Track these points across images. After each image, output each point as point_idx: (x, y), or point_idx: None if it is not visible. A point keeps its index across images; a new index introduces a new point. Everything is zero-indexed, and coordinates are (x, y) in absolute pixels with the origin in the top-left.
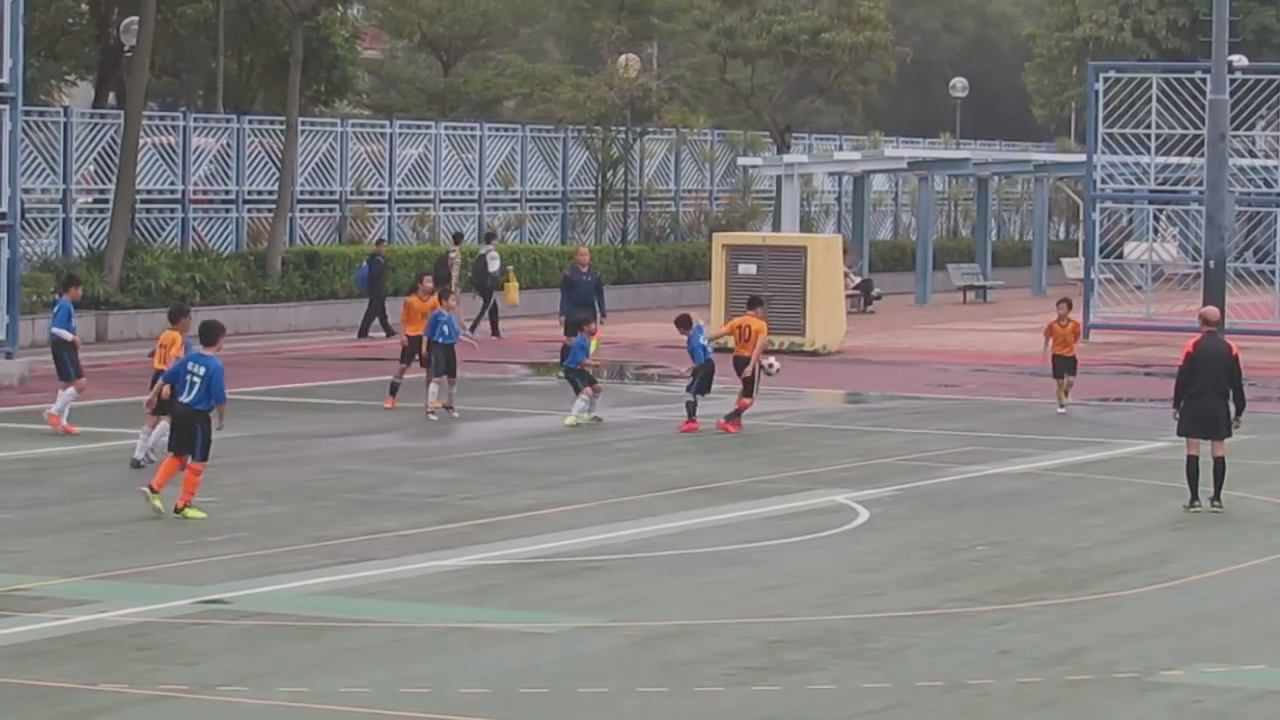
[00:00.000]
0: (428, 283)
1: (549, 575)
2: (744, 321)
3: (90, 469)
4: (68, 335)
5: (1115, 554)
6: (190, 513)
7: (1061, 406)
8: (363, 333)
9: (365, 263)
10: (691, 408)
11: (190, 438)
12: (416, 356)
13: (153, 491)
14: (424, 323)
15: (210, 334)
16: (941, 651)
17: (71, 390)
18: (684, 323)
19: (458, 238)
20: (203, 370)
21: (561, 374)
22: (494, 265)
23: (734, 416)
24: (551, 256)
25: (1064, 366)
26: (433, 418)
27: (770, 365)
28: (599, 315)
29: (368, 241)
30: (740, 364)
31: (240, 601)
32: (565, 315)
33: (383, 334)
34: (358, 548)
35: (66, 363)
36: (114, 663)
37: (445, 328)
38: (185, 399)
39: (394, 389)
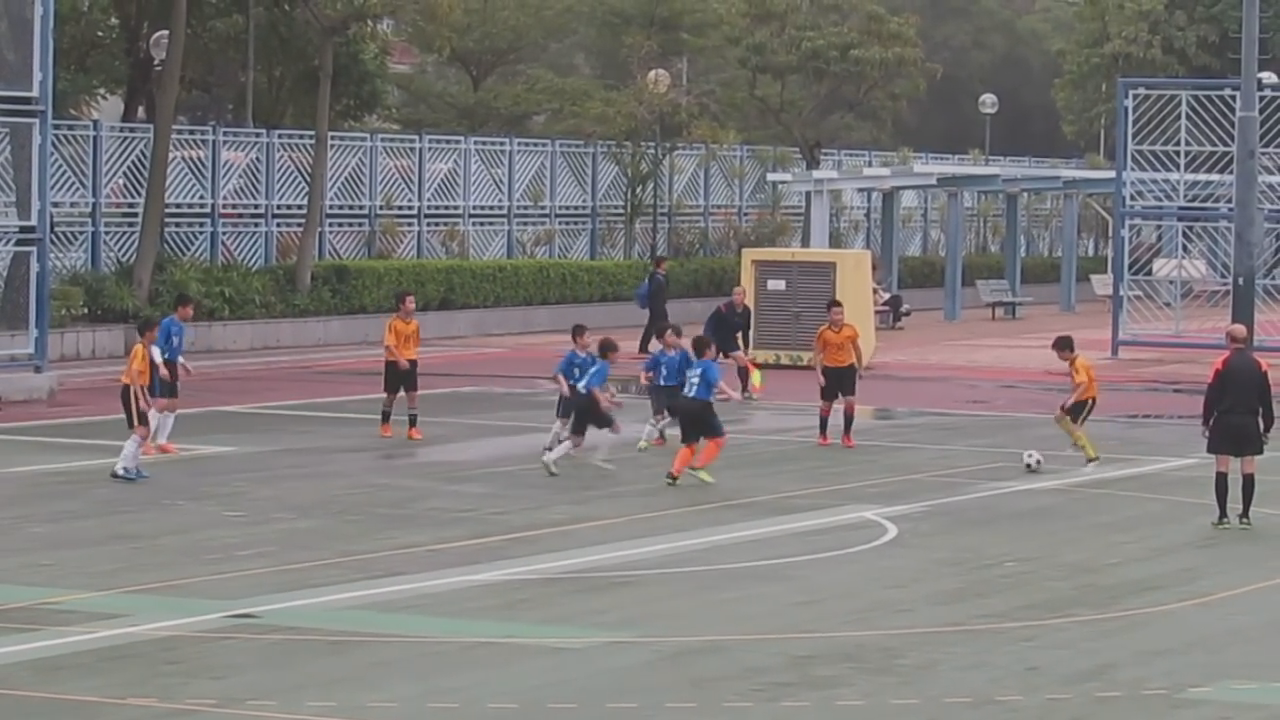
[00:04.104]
0: (409, 303)
1: (579, 590)
2: (826, 333)
3: (119, 483)
4: (157, 356)
5: (1144, 570)
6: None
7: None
8: (643, 347)
9: (646, 280)
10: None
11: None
12: (401, 385)
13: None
14: (410, 345)
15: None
16: (970, 668)
17: (153, 412)
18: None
19: (660, 261)
20: (699, 371)
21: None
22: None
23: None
24: (580, 272)
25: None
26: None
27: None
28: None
29: (645, 258)
30: (843, 373)
31: (269, 616)
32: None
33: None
34: (387, 562)
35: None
36: (142, 676)
37: (664, 369)
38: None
39: (385, 417)
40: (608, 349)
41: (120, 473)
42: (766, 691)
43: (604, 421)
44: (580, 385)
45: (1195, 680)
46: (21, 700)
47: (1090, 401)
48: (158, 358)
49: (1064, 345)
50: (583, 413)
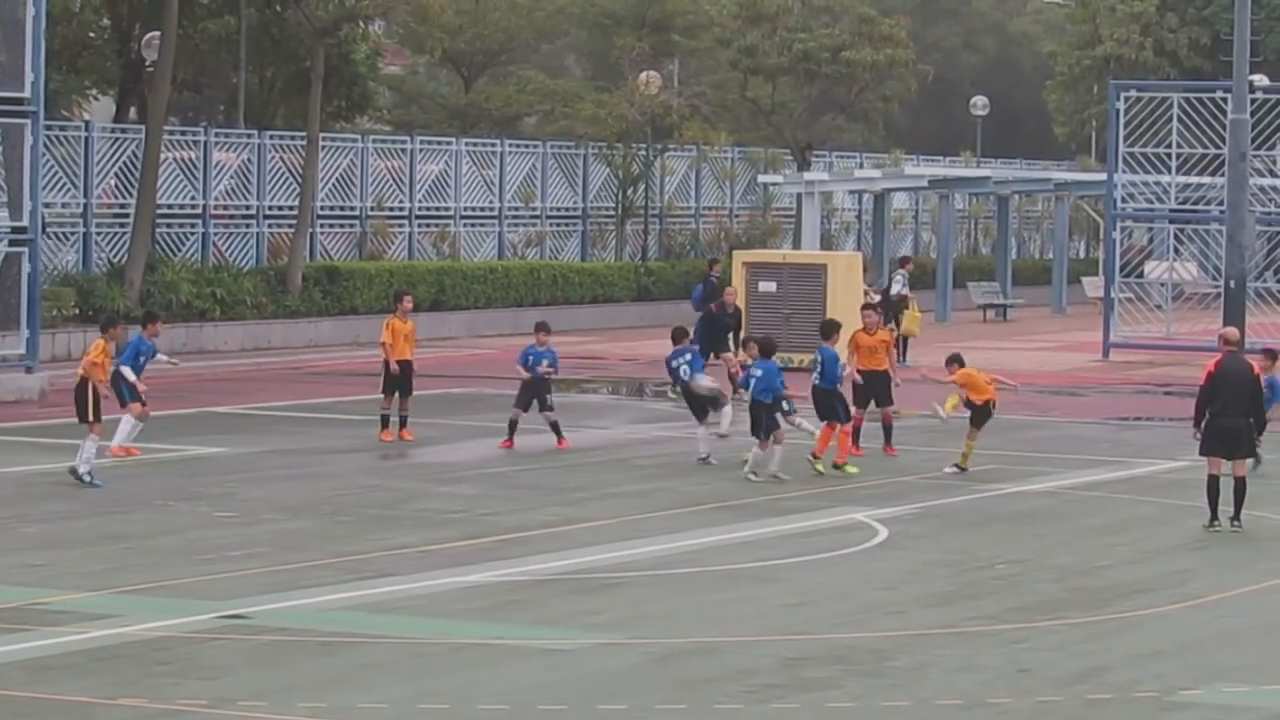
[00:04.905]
0: (407, 303)
1: (569, 591)
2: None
3: (110, 483)
4: (130, 375)
5: (1135, 573)
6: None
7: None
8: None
9: (700, 284)
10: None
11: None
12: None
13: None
14: (406, 346)
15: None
16: (961, 670)
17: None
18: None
19: (713, 263)
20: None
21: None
22: (897, 288)
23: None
24: (571, 273)
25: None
26: (753, 477)
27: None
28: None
29: (699, 258)
30: (877, 379)
31: (260, 616)
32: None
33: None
34: (378, 563)
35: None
36: (134, 677)
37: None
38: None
39: (385, 421)
40: (769, 349)
41: (82, 474)
42: (757, 693)
43: (714, 403)
44: (685, 377)
45: (1187, 683)
46: (12, 700)
47: (988, 405)
48: (130, 377)
49: (953, 360)
50: (693, 401)
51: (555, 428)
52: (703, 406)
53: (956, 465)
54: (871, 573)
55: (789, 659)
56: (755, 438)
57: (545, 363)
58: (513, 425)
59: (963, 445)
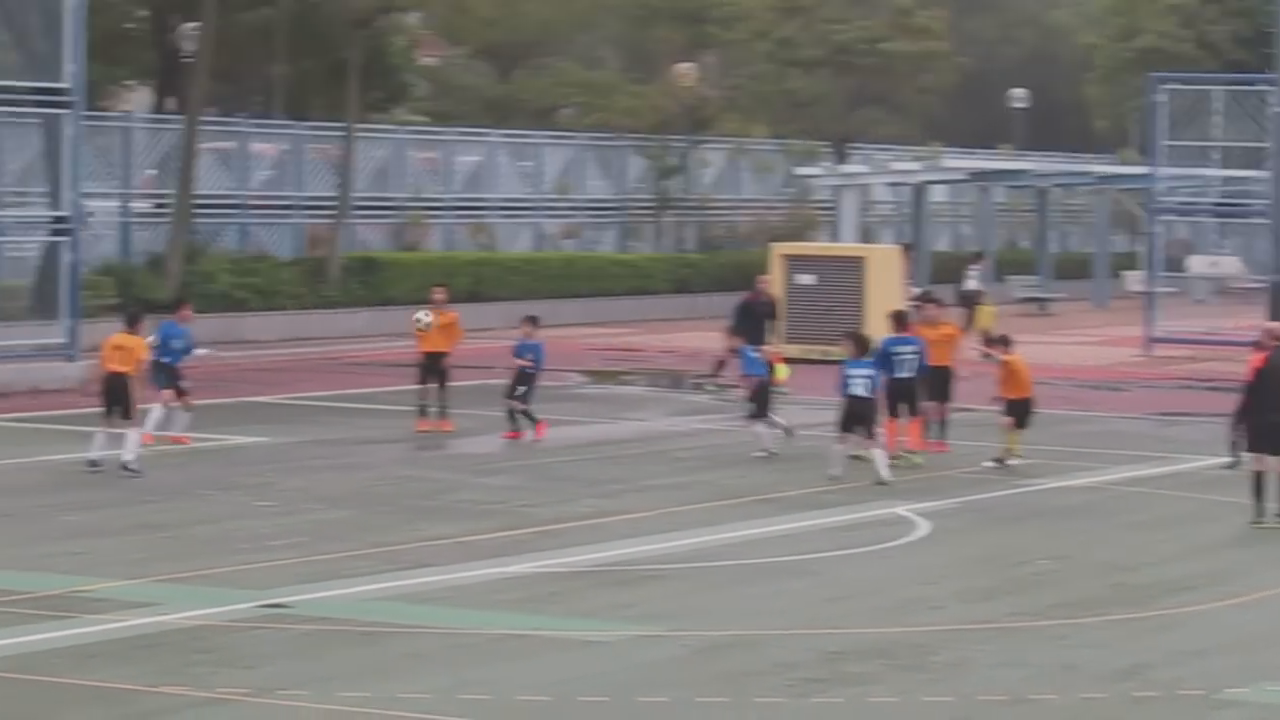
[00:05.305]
0: (437, 294)
1: (608, 583)
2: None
3: (150, 472)
4: (180, 359)
5: (1179, 569)
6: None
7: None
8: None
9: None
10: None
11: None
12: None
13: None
14: (440, 337)
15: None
16: (1003, 665)
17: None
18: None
19: (978, 256)
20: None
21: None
22: (971, 283)
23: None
24: (609, 264)
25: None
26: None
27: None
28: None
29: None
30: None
31: (300, 606)
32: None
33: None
34: (416, 554)
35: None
36: (174, 665)
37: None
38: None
39: (422, 411)
40: (866, 346)
41: (131, 465)
42: (798, 687)
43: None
44: (748, 372)
45: (1231, 681)
46: (56, 686)
47: (1026, 402)
48: (184, 359)
49: (1000, 341)
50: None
51: (511, 416)
52: (857, 422)
53: (997, 460)
54: (912, 567)
55: (830, 653)
56: (851, 433)
57: (529, 356)
58: (511, 415)
59: (1005, 440)
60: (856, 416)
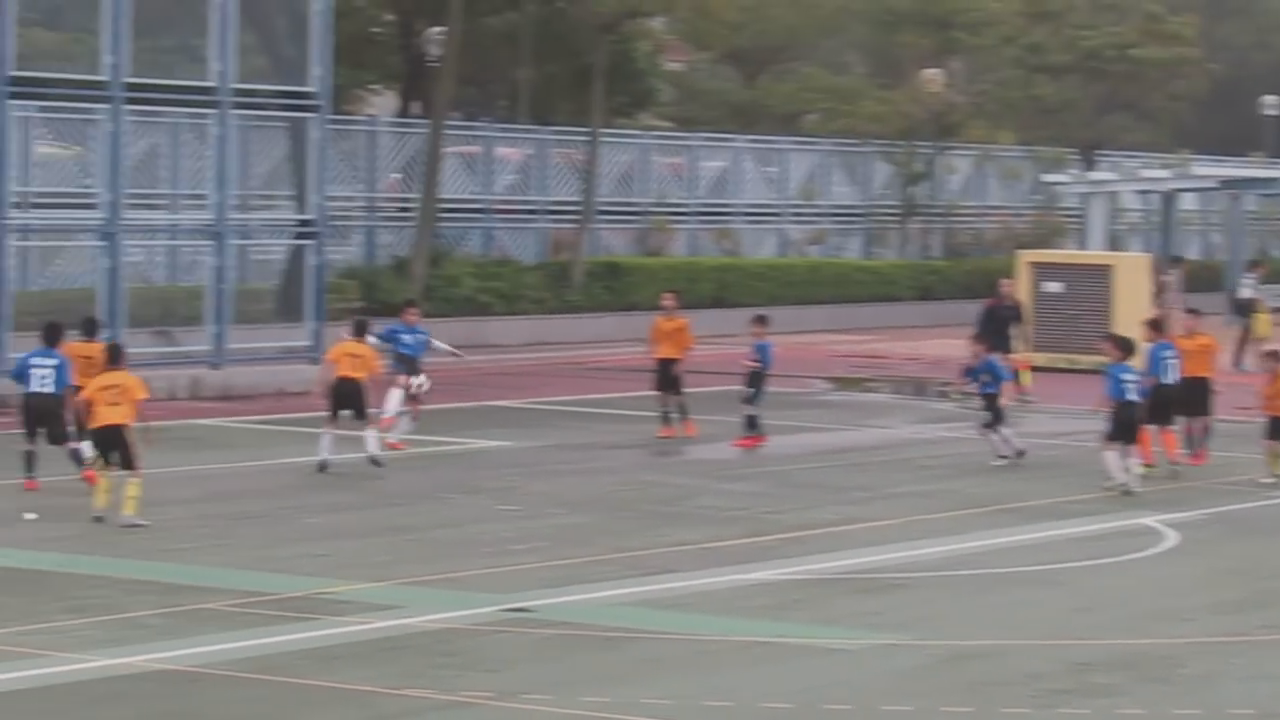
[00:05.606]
0: (666, 300)
1: (853, 591)
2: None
3: (392, 475)
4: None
5: None
6: None
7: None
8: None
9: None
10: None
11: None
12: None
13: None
14: (669, 344)
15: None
16: (1254, 679)
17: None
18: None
19: (1255, 264)
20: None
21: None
22: (1247, 291)
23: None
24: (853, 271)
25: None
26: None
27: None
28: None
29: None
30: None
31: (543, 610)
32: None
33: None
34: (660, 559)
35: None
36: (418, 668)
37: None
38: None
39: (664, 418)
40: (1128, 348)
41: (379, 459)
42: (1044, 698)
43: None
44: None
45: None
46: (302, 688)
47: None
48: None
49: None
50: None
51: (749, 422)
52: (1127, 430)
53: (1277, 476)
54: (1159, 578)
55: (1076, 664)
56: (1121, 444)
57: (755, 356)
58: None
59: (1264, 456)
60: (1128, 423)
